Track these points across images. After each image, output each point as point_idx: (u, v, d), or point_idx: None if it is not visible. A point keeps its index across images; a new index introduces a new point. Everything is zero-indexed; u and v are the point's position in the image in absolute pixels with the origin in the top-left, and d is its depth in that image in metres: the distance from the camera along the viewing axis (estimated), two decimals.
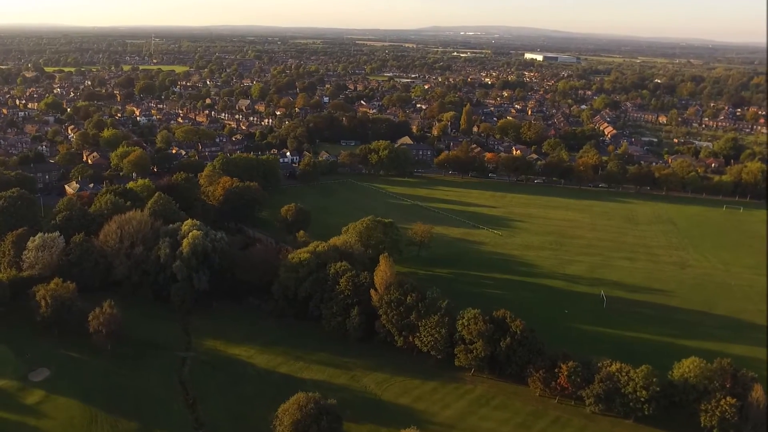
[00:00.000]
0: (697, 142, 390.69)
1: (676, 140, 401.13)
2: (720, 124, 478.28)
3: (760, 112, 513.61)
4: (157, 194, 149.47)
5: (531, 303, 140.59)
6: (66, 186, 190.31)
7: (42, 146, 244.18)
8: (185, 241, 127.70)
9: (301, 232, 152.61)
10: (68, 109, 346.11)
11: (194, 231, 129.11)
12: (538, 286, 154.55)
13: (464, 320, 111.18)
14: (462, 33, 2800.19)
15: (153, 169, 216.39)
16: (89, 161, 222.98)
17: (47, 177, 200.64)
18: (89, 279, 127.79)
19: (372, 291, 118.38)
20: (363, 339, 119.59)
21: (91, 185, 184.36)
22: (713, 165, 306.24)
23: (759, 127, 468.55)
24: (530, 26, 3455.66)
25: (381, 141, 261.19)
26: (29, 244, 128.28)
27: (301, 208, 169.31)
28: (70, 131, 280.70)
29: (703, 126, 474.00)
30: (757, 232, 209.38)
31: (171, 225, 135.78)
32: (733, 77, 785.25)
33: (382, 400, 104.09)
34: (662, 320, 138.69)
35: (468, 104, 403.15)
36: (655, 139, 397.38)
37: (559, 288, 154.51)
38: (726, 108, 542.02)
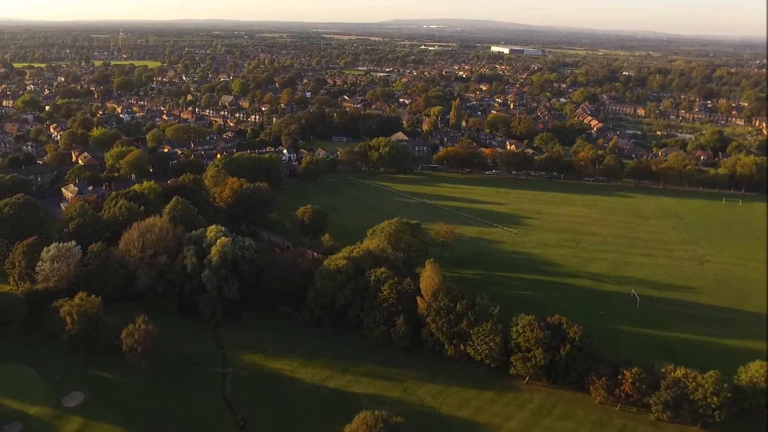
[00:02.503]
0: (679, 135, 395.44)
1: (659, 133, 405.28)
2: (696, 116, 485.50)
3: (732, 104, 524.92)
4: (175, 199, 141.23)
5: (565, 304, 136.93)
6: (63, 189, 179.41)
7: (27, 146, 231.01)
8: (213, 249, 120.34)
9: (327, 235, 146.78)
10: (46, 107, 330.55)
11: (222, 238, 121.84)
12: (566, 286, 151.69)
13: (518, 327, 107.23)
14: (425, 26, 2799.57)
15: (149, 169, 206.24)
16: (79, 162, 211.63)
17: (39, 179, 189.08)
18: (109, 291, 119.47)
19: (418, 298, 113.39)
20: (407, 348, 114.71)
21: (90, 188, 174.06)
22: (702, 158, 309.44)
23: (733, 119, 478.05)
24: (490, 19, 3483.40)
25: (380, 138, 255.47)
26: (43, 254, 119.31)
27: (318, 209, 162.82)
28: (52, 130, 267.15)
29: (680, 118, 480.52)
30: (762, 225, 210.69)
31: (194, 231, 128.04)
32: (697, 70, 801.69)
33: (441, 414, 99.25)
34: (697, 319, 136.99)
35: (458, 99, 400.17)
36: (639, 132, 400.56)
37: (587, 287, 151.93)
38: (698, 100, 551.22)
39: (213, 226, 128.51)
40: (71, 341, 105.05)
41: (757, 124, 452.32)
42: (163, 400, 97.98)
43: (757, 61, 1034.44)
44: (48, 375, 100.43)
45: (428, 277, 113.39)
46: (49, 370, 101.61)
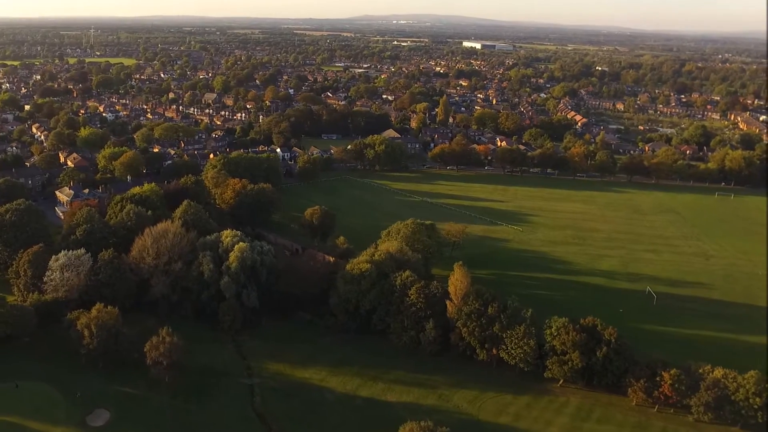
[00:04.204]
0: (660, 129, 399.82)
1: (641, 127, 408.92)
2: (673, 110, 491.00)
3: (706, 99, 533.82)
4: (186, 202, 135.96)
5: (582, 303, 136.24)
6: (57, 192, 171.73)
7: (12, 148, 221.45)
8: (232, 255, 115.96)
9: (342, 238, 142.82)
10: (26, 106, 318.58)
11: (241, 243, 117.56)
12: (580, 284, 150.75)
13: (552, 330, 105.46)
14: (394, 21, 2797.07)
15: (142, 170, 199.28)
16: (69, 163, 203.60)
17: (30, 182, 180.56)
18: (122, 300, 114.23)
19: (447, 302, 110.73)
20: (436, 353, 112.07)
21: (86, 191, 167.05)
22: (688, 152, 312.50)
23: (709, 113, 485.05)
24: (459, 14, 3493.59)
25: (375, 135, 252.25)
26: (52, 263, 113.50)
27: (327, 210, 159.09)
28: (35, 130, 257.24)
29: (659, 113, 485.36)
30: (758, 219, 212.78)
31: (208, 237, 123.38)
32: (666, 65, 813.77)
33: (481, 421, 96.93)
34: (714, 315, 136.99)
35: (444, 96, 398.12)
36: (622, 127, 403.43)
37: (601, 285, 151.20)
38: (672, 95, 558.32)
39: (228, 231, 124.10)
40: (90, 355, 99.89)
41: (732, 118, 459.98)
42: (193, 415, 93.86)
43: (720, 56, 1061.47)
44: (68, 392, 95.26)
45: (457, 280, 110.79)
46: (69, 387, 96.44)
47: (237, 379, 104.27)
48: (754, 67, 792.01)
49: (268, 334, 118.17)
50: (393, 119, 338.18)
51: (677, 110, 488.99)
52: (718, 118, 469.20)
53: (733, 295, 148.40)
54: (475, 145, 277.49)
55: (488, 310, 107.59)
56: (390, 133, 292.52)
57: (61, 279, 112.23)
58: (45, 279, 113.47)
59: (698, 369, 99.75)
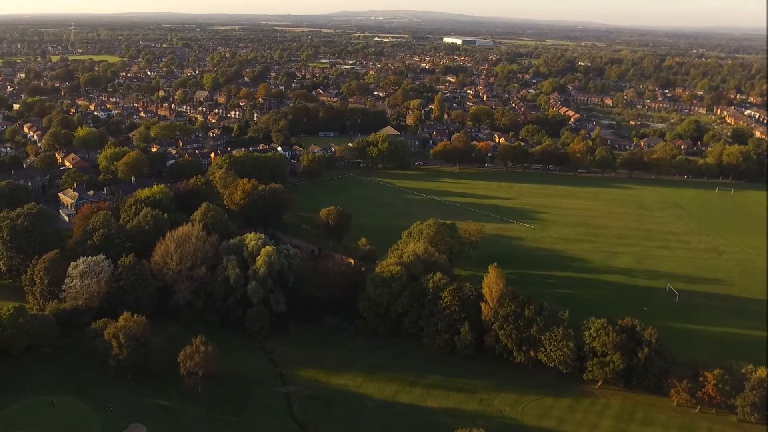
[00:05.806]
0: (651, 124, 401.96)
1: (632, 123, 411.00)
2: (660, 105, 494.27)
3: (692, 94, 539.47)
4: (205, 204, 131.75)
5: (605, 302, 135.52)
6: (60, 194, 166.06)
7: (7, 148, 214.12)
8: (259, 260, 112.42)
9: (363, 239, 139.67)
10: (14, 105, 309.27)
11: (267, 247, 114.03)
12: (600, 283, 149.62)
13: (591, 331, 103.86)
14: (372, 17, 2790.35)
15: (144, 171, 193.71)
16: (67, 164, 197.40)
17: (30, 184, 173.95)
18: (144, 307, 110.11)
19: (482, 304, 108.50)
20: (471, 356, 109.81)
21: (91, 193, 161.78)
22: (683, 147, 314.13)
23: (695, 108, 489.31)
24: (436, 10, 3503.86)
25: (377, 133, 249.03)
26: (71, 270, 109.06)
27: (342, 210, 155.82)
28: (27, 130, 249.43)
29: (646, 108, 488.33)
30: (761, 213, 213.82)
31: (231, 240, 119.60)
32: (647, 60, 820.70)
33: (526, 426, 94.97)
34: (738, 312, 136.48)
35: (440, 93, 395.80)
36: (614, 122, 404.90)
37: (620, 283, 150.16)
38: (657, 90, 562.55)
39: (252, 234, 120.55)
40: (119, 366, 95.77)
41: (718, 113, 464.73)
42: (232, 427, 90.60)
43: (695, 51, 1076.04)
44: (100, 406, 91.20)
45: (492, 282, 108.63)
46: (100, 400, 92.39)
47: (271, 387, 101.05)
48: (730, 62, 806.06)
49: (297, 340, 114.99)
50: (389, 116, 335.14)
51: (665, 105, 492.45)
52: (705, 112, 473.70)
53: (752, 292, 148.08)
54: (475, 142, 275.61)
55: (525, 312, 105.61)
56: (388, 130, 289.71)
57: (81, 286, 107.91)
58: (63, 286, 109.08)
59: (740, 369, 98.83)
